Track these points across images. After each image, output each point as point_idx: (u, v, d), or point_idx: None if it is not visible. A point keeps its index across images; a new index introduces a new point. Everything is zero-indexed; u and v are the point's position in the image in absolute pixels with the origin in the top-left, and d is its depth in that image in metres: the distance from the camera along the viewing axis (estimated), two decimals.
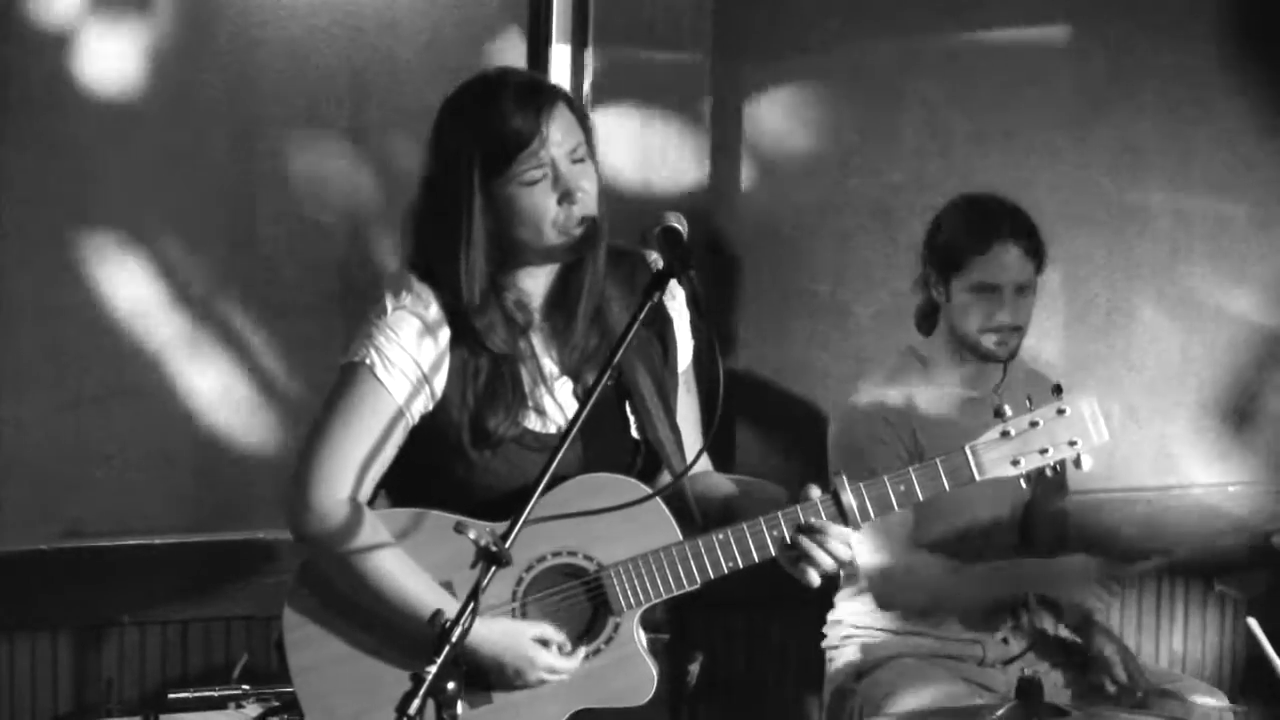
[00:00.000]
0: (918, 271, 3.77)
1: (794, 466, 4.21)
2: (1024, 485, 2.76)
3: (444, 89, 2.76)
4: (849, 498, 2.69)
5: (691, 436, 2.91)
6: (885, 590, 3.64)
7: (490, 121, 2.67)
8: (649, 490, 2.71)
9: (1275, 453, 4.79)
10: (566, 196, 2.68)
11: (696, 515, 2.78)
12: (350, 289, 3.89)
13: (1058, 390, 2.75)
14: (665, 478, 2.82)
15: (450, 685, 2.25)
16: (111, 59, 3.74)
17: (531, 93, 2.69)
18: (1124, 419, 4.55)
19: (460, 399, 2.72)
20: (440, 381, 2.72)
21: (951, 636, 3.68)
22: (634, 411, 2.81)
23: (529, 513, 2.42)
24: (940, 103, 4.40)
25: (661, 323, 2.87)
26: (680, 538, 2.72)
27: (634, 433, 2.82)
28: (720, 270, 4.21)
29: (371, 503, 2.75)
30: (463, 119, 2.71)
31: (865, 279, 4.37)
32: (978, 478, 2.73)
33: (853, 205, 4.36)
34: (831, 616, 3.82)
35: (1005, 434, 2.72)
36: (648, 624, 2.79)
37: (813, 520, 2.68)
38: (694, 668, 3.02)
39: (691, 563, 2.70)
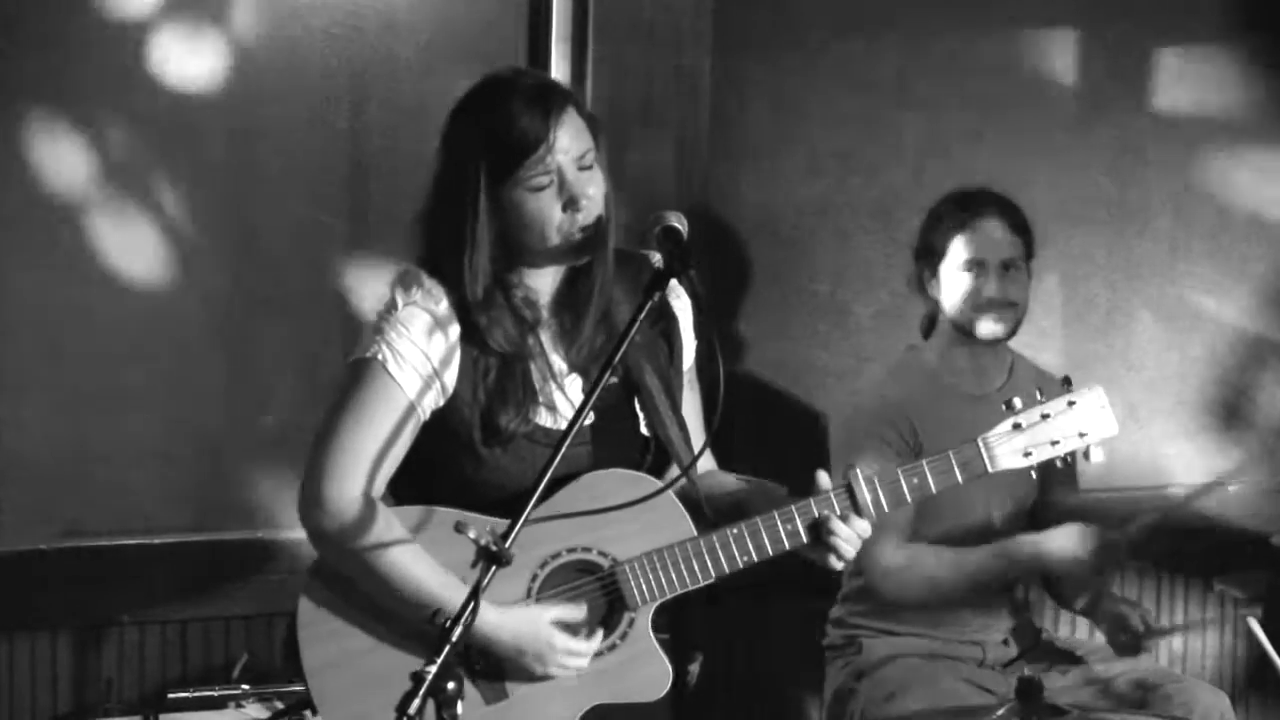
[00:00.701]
0: (911, 269, 3.80)
1: (794, 466, 4.20)
2: (1033, 476, 2.79)
3: (444, 89, 2.76)
4: (863, 491, 2.71)
5: (696, 434, 2.92)
6: (885, 584, 3.64)
7: (498, 125, 2.66)
8: (661, 484, 2.70)
9: (1274, 452, 4.79)
10: (572, 203, 2.68)
11: (707, 510, 2.78)
12: (350, 289, 3.89)
13: (1067, 383, 2.80)
14: (673, 474, 2.82)
15: (450, 685, 2.23)
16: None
17: (540, 97, 2.67)
18: (1124, 419, 4.54)
19: (471, 395, 2.72)
20: (451, 377, 2.71)
21: (952, 637, 3.69)
22: (642, 409, 2.82)
23: (530, 510, 2.41)
24: (940, 103, 4.40)
25: (667, 321, 2.88)
26: (694, 533, 2.73)
27: (643, 430, 2.82)
28: (720, 270, 4.20)
29: None
30: (471, 121, 2.70)
31: (865, 279, 4.38)
32: (990, 469, 2.77)
33: (853, 205, 4.36)
34: (832, 616, 3.83)
35: (1017, 426, 2.76)
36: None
37: (827, 513, 2.69)
38: (694, 667, 3.02)
39: (706, 557, 2.71)
